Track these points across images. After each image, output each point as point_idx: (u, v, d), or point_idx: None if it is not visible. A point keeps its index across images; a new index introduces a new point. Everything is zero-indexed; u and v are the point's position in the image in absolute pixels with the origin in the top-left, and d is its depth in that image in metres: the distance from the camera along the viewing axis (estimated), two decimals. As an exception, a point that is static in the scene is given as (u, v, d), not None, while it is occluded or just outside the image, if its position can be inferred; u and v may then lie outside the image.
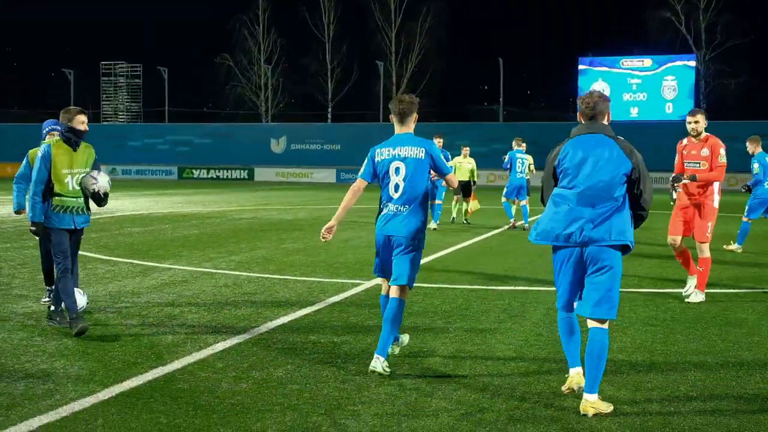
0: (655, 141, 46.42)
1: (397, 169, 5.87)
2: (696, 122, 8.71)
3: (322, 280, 10.02)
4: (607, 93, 52.30)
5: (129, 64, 68.93)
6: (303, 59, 63.80)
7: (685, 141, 8.97)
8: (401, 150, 5.90)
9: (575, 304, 5.13)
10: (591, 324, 4.96)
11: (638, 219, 5.12)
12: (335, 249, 13.37)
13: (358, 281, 9.86)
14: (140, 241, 14.21)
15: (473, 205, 18.84)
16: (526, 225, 17.46)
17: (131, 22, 75.65)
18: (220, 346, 6.47)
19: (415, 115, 6.00)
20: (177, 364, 5.87)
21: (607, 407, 4.86)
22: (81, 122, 6.97)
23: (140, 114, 69.58)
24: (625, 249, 5.00)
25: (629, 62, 51.53)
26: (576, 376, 5.15)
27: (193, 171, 56.54)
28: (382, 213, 5.98)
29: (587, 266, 4.98)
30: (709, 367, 5.95)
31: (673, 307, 8.36)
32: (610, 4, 66.86)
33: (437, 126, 46.76)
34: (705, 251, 8.72)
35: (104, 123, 67.32)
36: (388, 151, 5.95)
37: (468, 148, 19.44)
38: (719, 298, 8.91)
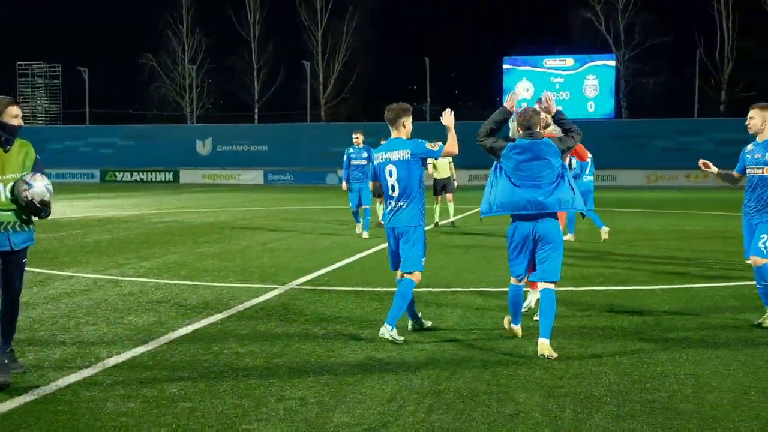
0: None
1: (390, 172, 6.76)
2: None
3: (233, 285, 9.60)
4: (531, 92, 53.27)
5: (47, 64, 66.54)
6: (228, 59, 62.73)
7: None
8: (392, 154, 6.78)
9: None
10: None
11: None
12: (252, 252, 12.94)
13: (271, 286, 9.47)
14: (45, 248, 13.48)
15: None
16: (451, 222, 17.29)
17: (49, 20, 73.09)
18: (113, 360, 6.02)
19: (403, 120, 6.81)
20: (61, 383, 5.41)
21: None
22: (13, 116, 5.60)
23: (60, 116, 67.27)
24: None
25: (552, 62, 52.30)
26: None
27: (116, 174, 54.95)
28: (387, 209, 6.93)
29: None
30: None
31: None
32: (534, 4, 67.78)
33: (365, 125, 46.51)
34: None
35: (22, 126, 64.72)
36: (382, 155, 6.86)
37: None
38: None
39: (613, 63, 52.41)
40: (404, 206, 6.70)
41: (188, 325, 7.29)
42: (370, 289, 9.36)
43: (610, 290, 9.29)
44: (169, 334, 6.90)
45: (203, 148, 55.96)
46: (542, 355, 6.06)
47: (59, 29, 72.00)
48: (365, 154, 15.68)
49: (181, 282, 9.85)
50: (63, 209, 24.41)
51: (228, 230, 17.04)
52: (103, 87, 66.58)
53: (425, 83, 56.04)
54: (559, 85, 51.71)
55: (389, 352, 6.31)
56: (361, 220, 15.65)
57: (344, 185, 16.09)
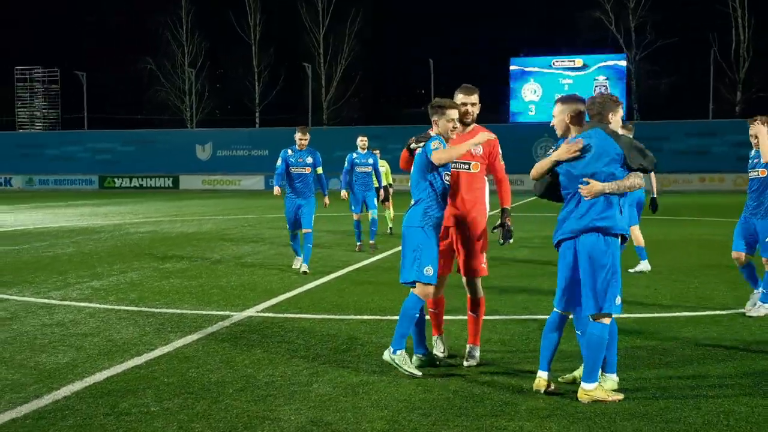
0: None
1: None
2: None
3: (184, 312, 8.20)
4: (539, 94, 51.86)
5: (45, 69, 65.46)
6: (229, 62, 61.51)
7: None
8: None
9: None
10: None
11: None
12: (221, 269, 11.57)
13: (227, 313, 8.08)
14: (-4, 263, 12.15)
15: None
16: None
17: (47, 24, 72.07)
18: (-17, 425, 4.64)
19: (434, 119, 6.00)
20: None
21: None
22: None
23: (59, 121, 66.14)
24: None
25: (561, 62, 50.86)
26: None
27: (115, 180, 53.85)
28: None
29: None
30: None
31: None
32: (542, 3, 66.28)
33: (369, 129, 45.12)
34: None
35: (20, 131, 63.80)
36: None
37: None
38: None
39: (624, 63, 50.95)
40: (411, 205, 5.91)
41: (106, 369, 5.91)
42: (341, 317, 7.95)
43: (630, 317, 7.86)
44: (75, 384, 5.51)
45: (203, 152, 54.78)
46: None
47: (57, 33, 70.96)
48: (371, 160, 14.52)
49: (127, 307, 8.47)
50: (43, 218, 23.15)
51: (205, 242, 15.67)
52: (102, 91, 65.38)
53: (430, 85, 54.64)
54: (568, 87, 50.25)
55: (341, 410, 4.90)
56: (363, 236, 14.08)
57: (343, 193, 14.84)
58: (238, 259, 12.88)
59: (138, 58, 61.07)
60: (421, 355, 6.00)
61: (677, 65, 54.35)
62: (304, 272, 10.87)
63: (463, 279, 6.17)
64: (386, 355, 5.68)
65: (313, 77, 57.45)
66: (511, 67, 51.69)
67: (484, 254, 6.16)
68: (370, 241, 14.11)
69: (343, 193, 14.80)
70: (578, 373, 5.42)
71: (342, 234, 17.38)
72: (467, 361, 6.09)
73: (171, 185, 52.88)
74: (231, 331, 7.26)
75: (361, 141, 14.68)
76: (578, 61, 50.42)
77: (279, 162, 12.66)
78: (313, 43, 58.83)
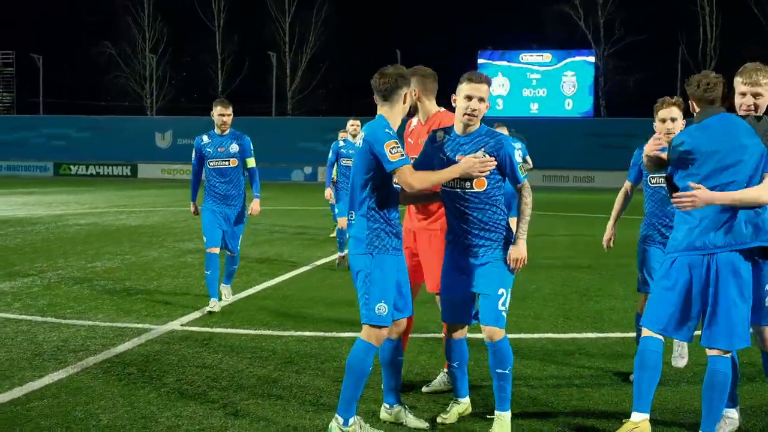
0: (555, 138, 45.29)
1: None
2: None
3: (97, 324, 7.10)
4: (507, 88, 51.07)
5: (0, 51, 63.13)
6: (191, 49, 59.82)
7: None
8: None
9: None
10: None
11: None
12: (155, 269, 10.45)
13: (146, 326, 7.00)
14: None
15: None
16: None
17: (2, 4, 69.59)
18: None
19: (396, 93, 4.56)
20: None
21: None
22: None
23: (13, 105, 63.88)
24: None
25: (529, 57, 50.12)
26: None
27: (71, 167, 52.03)
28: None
29: None
30: None
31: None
32: (510, -1, 65.52)
33: (333, 120, 43.97)
34: None
35: (-28, 115, 61.54)
36: None
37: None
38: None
39: (592, 59, 50.39)
40: (351, 219, 4.60)
41: (-24, 402, 4.82)
42: (279, 332, 6.91)
43: (610, 338, 6.95)
44: (-74, 426, 4.42)
45: (163, 140, 53.17)
46: None
47: (13, 14, 68.54)
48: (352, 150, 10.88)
49: (30, 317, 7.33)
50: (-21, 207, 21.71)
51: (147, 237, 14.50)
52: (58, 75, 63.23)
53: (396, 77, 53.54)
54: (536, 82, 49.58)
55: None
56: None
57: (328, 192, 11.59)
58: (178, 257, 11.76)
59: (97, 42, 59.15)
60: (389, 406, 4.66)
61: (646, 62, 53.95)
62: (215, 310, 7.64)
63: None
64: (333, 428, 4.31)
65: (279, 66, 56.08)
66: (479, 61, 50.77)
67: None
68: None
69: (327, 192, 11.60)
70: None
71: (298, 227, 16.34)
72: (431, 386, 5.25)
73: (129, 174, 51.29)
74: (144, 350, 6.18)
75: (352, 126, 11.27)
76: (547, 56, 49.72)
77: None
78: (279, 31, 57.43)
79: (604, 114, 52.89)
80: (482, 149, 4.47)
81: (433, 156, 4.62)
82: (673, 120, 5.44)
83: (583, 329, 7.25)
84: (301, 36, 57.07)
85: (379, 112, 4.55)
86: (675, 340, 5.37)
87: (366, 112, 61.75)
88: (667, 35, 50.49)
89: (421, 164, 4.58)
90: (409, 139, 5.44)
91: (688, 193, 4.06)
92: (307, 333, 6.88)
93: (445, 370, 5.30)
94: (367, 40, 61.18)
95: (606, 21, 53.01)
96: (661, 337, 4.28)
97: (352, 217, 4.53)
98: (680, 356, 5.91)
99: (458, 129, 4.59)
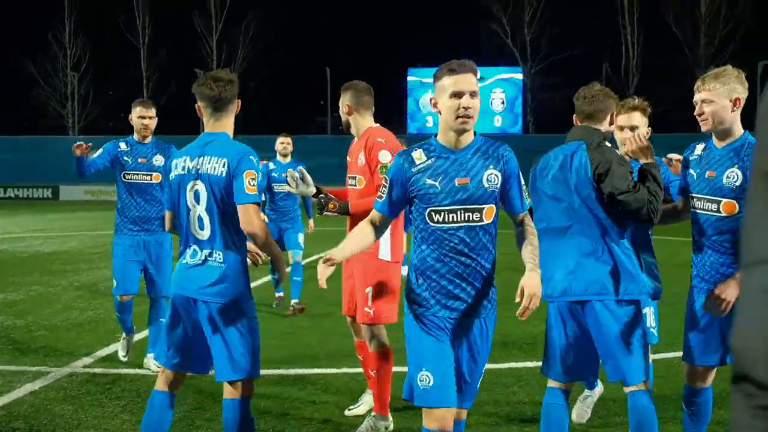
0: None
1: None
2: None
3: (-12, 368, 6.46)
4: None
5: None
6: (115, 66, 58.29)
7: None
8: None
9: None
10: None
11: None
12: (62, 301, 9.77)
13: (44, 368, 6.39)
14: None
15: None
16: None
17: None
18: None
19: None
20: None
21: None
22: None
23: (-74, 125, 61.17)
24: None
25: (458, 74, 50.48)
26: None
27: (-13, 190, 50.06)
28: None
29: None
30: None
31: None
32: (440, 14, 66.10)
33: (263, 139, 43.25)
34: None
35: None
36: None
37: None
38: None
39: (520, 76, 51.04)
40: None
41: None
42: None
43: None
44: None
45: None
46: None
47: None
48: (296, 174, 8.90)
49: None
50: None
51: (60, 264, 13.70)
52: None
53: (326, 95, 53.33)
54: (465, 99, 49.92)
55: None
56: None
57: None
58: (90, 286, 11.07)
59: (17, 59, 57.13)
60: None
61: (571, 79, 54.92)
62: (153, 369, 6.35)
63: None
64: None
65: (205, 84, 55.06)
66: (409, 78, 50.93)
67: (376, 297, 4.81)
68: (294, 301, 9.09)
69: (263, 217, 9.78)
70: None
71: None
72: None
73: (50, 196, 49.53)
74: (36, 399, 5.58)
75: (281, 144, 9.44)
76: (476, 73, 50.19)
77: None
78: (206, 48, 56.51)
79: (531, 130, 53.64)
80: (492, 167, 3.45)
81: (411, 186, 3.44)
82: (632, 129, 4.43)
83: (522, 357, 6.93)
84: (229, 54, 56.28)
85: (219, 128, 3.93)
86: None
87: (296, 130, 61.38)
88: (591, 53, 51.65)
89: (393, 204, 3.53)
90: (349, 158, 5.15)
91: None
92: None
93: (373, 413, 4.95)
94: (295, 57, 60.77)
95: (532, 39, 53.86)
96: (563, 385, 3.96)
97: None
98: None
99: (448, 141, 3.46)
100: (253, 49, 56.41)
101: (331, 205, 4.77)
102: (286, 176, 8.60)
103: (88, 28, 57.62)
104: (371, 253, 4.77)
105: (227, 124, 3.96)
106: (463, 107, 3.35)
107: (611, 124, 4.18)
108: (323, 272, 3.37)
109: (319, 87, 55.43)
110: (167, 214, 4.00)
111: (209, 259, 3.83)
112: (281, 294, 9.37)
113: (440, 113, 3.43)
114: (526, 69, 53.67)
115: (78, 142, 6.46)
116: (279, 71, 58.03)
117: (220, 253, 3.82)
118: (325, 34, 66.78)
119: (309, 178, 5.02)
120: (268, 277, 10.43)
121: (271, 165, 9.41)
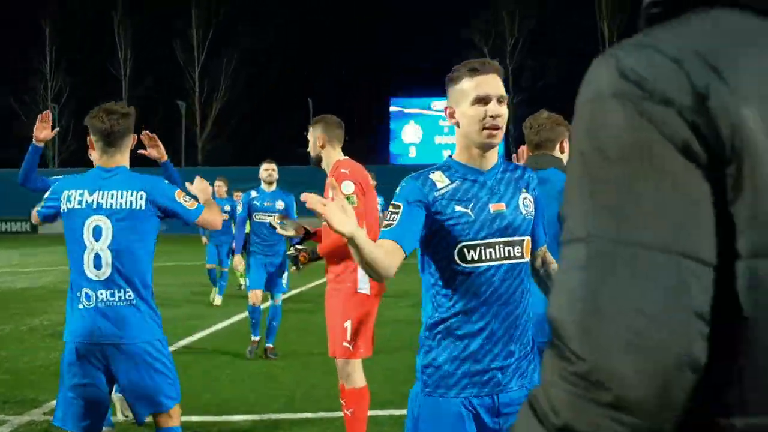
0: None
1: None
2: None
3: (-60, 417, 6.09)
4: (419, 135, 51.26)
5: None
6: (96, 98, 57.91)
7: None
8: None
9: None
10: None
11: None
12: (29, 341, 9.38)
13: (2, 417, 6.03)
14: None
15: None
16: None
17: None
18: None
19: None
20: None
21: None
22: None
23: None
24: None
25: (440, 104, 50.57)
26: None
27: (-35, 224, 49.44)
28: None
29: None
30: None
31: None
32: (421, 44, 66.53)
33: (245, 170, 43.01)
34: None
35: None
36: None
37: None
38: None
39: (502, 106, 51.33)
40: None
41: None
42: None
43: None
44: None
45: (66, 194, 51.12)
46: None
47: None
48: (281, 203, 8.60)
49: None
50: None
51: (31, 302, 13.29)
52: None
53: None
54: (447, 129, 49.94)
55: None
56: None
57: (238, 260, 9.29)
58: (59, 324, 10.63)
59: (-5, 91, 56.83)
60: None
61: (552, 109, 55.28)
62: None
63: None
64: None
65: (188, 116, 54.95)
66: (391, 108, 51.01)
67: (356, 331, 4.58)
68: (268, 345, 8.40)
69: (237, 260, 9.26)
70: None
71: (195, 284, 15.36)
72: None
73: (29, 230, 48.93)
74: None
75: (266, 171, 8.73)
76: (458, 103, 50.40)
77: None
78: (189, 81, 56.47)
79: (514, 160, 53.78)
80: (524, 190, 2.76)
81: (436, 216, 2.61)
82: None
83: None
84: (211, 85, 56.27)
85: (113, 164, 3.76)
86: None
87: (279, 160, 61.58)
88: (574, 81, 51.98)
89: (409, 231, 2.57)
90: (325, 194, 4.90)
91: None
92: (194, 418, 6.02)
93: None
94: (278, 88, 60.77)
95: (514, 69, 54.24)
96: None
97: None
98: None
99: (470, 160, 2.72)
100: (236, 80, 56.39)
101: (302, 258, 4.61)
102: (269, 205, 8.55)
103: (69, 58, 57.45)
104: (350, 287, 4.63)
105: (121, 160, 3.78)
106: (491, 116, 2.64)
107: (562, 152, 3.97)
108: (339, 219, 2.43)
109: (301, 117, 55.39)
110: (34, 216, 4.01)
111: (111, 299, 3.68)
112: (257, 338, 8.58)
113: (458, 125, 2.73)
114: (509, 99, 54.04)
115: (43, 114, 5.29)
116: (261, 102, 57.94)
117: (123, 291, 3.69)
118: (307, 64, 66.96)
119: (290, 221, 4.89)
120: (245, 314, 10.06)
121: (253, 193, 8.72)
